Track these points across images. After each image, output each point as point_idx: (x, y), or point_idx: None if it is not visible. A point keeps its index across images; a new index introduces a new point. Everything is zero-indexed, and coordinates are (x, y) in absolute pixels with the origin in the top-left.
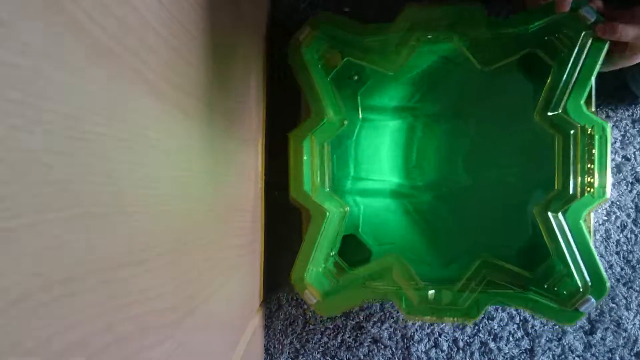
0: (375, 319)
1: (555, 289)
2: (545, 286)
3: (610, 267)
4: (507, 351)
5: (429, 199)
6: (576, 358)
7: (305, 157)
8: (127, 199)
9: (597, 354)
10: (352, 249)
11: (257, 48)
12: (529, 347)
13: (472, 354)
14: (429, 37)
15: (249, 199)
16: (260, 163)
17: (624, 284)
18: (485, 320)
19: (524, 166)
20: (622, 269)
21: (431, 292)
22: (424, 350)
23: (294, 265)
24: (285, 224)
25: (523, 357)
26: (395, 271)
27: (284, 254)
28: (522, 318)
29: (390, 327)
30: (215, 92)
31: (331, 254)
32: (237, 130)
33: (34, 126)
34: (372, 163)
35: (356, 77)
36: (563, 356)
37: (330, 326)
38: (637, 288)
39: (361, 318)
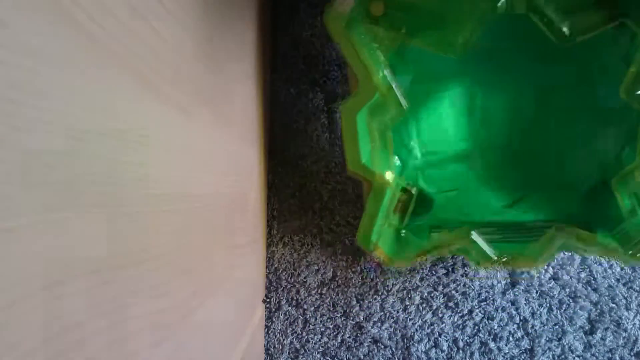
0: (375, 319)
1: (623, 235)
2: (616, 235)
3: (610, 267)
4: (507, 351)
5: (496, 157)
6: (576, 358)
7: (359, 129)
8: (127, 199)
9: (597, 354)
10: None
11: (258, 45)
12: (529, 347)
13: (472, 354)
14: (500, 11)
15: (250, 198)
16: (261, 162)
17: (624, 284)
18: (485, 320)
19: (595, 120)
20: (622, 269)
21: (504, 259)
22: (424, 350)
23: (358, 232)
24: (287, 224)
25: (523, 357)
26: (465, 245)
27: (285, 254)
28: (522, 318)
29: (390, 327)
30: (215, 92)
31: (402, 230)
32: (238, 129)
33: (34, 126)
34: (436, 135)
35: (403, 30)
36: (563, 356)
37: (330, 326)
38: (637, 288)
39: (361, 318)
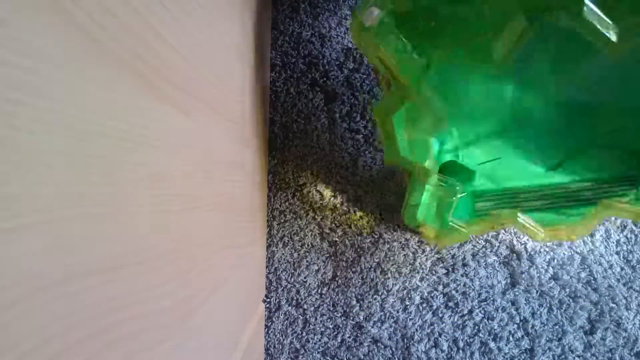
0: (375, 319)
1: None
2: None
3: (610, 267)
4: (507, 351)
5: (540, 123)
6: (576, 358)
7: (396, 126)
8: (127, 199)
9: (597, 354)
10: (451, 170)
11: (258, 45)
12: (529, 347)
13: (472, 354)
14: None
15: (250, 199)
16: (261, 162)
17: (624, 284)
18: (486, 320)
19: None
20: (622, 269)
21: (552, 233)
22: (424, 350)
23: (402, 213)
24: (287, 224)
25: (523, 357)
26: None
27: (285, 254)
28: (522, 318)
29: (390, 327)
30: (215, 92)
31: (448, 223)
32: (238, 129)
33: (34, 126)
34: (472, 112)
35: (432, 23)
36: (563, 356)
37: (330, 326)
38: (637, 288)
39: (361, 318)
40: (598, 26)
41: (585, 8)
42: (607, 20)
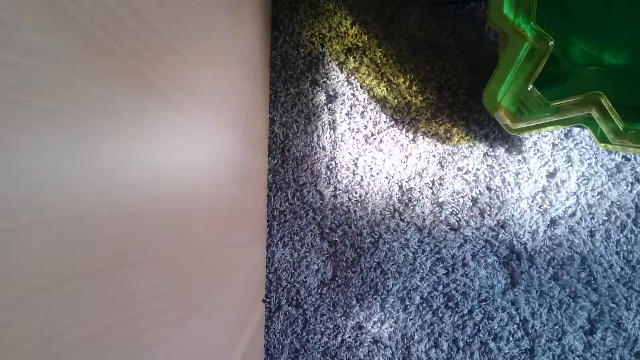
0: (375, 319)
1: None
2: None
3: (610, 267)
4: (507, 351)
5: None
6: (576, 358)
7: None
8: (127, 199)
9: (597, 354)
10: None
11: (259, 45)
12: (529, 347)
13: (472, 354)
14: None
15: (251, 199)
16: (261, 162)
17: (624, 284)
18: (485, 320)
19: None
20: (622, 269)
21: (631, 132)
22: (424, 350)
23: (486, 87)
24: (287, 224)
25: (523, 357)
26: (596, 107)
27: (285, 254)
28: (522, 318)
29: (390, 327)
30: (216, 93)
31: (528, 86)
32: (238, 129)
33: (34, 126)
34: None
35: None
36: (563, 356)
37: (330, 326)
38: (637, 288)
39: (361, 318)
40: None
41: None
42: None
